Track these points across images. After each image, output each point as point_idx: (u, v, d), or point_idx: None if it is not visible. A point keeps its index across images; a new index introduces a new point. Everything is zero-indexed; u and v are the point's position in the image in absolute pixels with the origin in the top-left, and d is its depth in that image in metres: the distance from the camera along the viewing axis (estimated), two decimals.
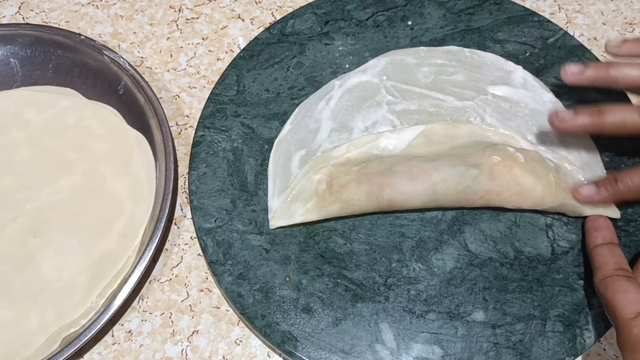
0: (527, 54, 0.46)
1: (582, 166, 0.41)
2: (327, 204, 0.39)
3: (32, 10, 0.51)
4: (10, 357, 0.37)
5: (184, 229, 0.43)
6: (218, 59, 0.49)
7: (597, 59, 0.46)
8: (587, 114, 0.38)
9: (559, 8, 0.51)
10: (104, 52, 0.46)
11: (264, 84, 0.46)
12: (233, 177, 0.42)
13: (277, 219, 0.40)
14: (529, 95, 0.44)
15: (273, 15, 0.51)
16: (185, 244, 0.42)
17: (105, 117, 0.46)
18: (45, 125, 0.46)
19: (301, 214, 0.40)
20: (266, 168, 0.43)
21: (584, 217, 0.40)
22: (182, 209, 0.44)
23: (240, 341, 0.39)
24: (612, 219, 0.40)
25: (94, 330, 0.37)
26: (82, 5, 0.52)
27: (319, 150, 0.42)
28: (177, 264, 0.42)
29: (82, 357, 0.39)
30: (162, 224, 0.40)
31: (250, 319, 0.38)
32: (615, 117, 0.37)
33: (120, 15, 0.51)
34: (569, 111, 0.38)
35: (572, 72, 0.39)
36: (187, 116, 0.47)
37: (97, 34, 0.50)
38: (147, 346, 0.39)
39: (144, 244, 0.40)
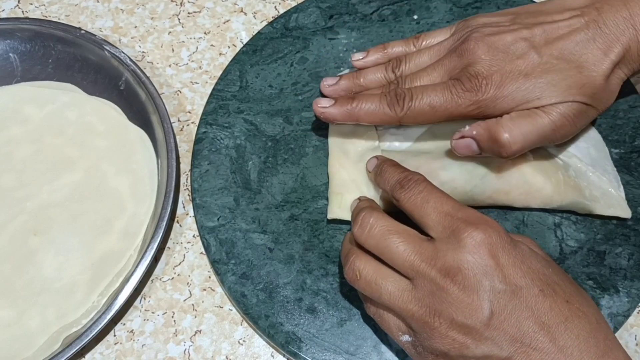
0: None
1: (592, 163, 0.40)
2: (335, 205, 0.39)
3: (31, 4, 0.51)
4: (11, 357, 0.37)
5: (187, 227, 0.42)
6: (220, 54, 0.48)
7: None
8: (341, 102, 0.38)
9: None
10: (105, 46, 0.45)
11: (267, 80, 0.45)
12: (236, 175, 0.42)
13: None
14: None
15: (276, 9, 0.50)
16: (188, 242, 0.42)
17: (107, 113, 0.45)
18: (45, 122, 0.45)
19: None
20: (269, 165, 0.42)
21: (594, 216, 0.39)
22: (184, 207, 0.43)
23: (244, 341, 0.39)
24: (622, 218, 0.39)
25: (96, 330, 0.37)
26: None
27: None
28: (180, 263, 0.41)
29: (84, 357, 0.39)
30: (164, 222, 0.39)
31: (253, 319, 0.37)
32: (367, 105, 0.38)
33: (121, 9, 0.50)
34: (327, 99, 0.39)
35: (328, 84, 0.42)
36: (189, 112, 0.46)
37: (97, 28, 0.49)
38: (150, 346, 0.39)
39: (146, 242, 0.39)
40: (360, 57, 0.42)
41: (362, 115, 0.38)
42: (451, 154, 0.39)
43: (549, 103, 0.35)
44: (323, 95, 0.44)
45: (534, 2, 0.47)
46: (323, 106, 0.38)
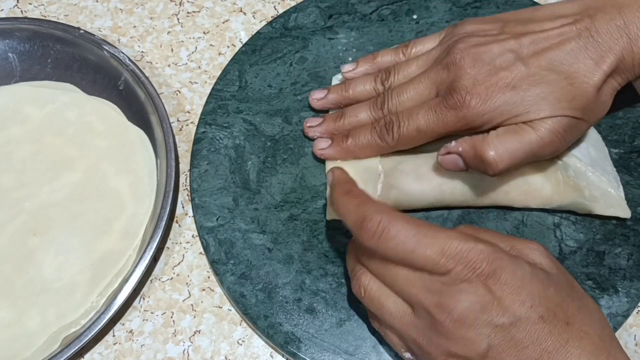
0: None
1: (591, 163, 0.40)
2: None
3: (30, 4, 0.50)
4: (11, 357, 0.37)
5: (186, 227, 0.42)
6: (220, 54, 0.48)
7: None
8: (337, 142, 0.39)
9: None
10: (104, 46, 0.45)
11: (267, 80, 0.45)
12: (235, 175, 0.42)
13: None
14: None
15: (275, 9, 0.50)
16: (187, 242, 0.42)
17: (106, 113, 0.45)
18: (45, 122, 0.45)
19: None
20: (269, 165, 0.42)
21: (593, 216, 0.39)
22: (183, 207, 0.43)
23: (243, 341, 0.39)
24: (621, 219, 0.39)
25: (95, 330, 0.37)
26: None
27: None
28: (179, 263, 0.41)
29: (83, 357, 0.39)
30: (164, 222, 0.39)
31: (252, 319, 0.37)
32: (360, 139, 0.38)
33: (120, 9, 0.50)
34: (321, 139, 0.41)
35: (316, 98, 0.42)
36: (189, 112, 0.46)
37: (96, 28, 0.49)
38: (149, 346, 0.39)
39: (145, 242, 0.39)
40: (350, 69, 0.42)
41: (358, 151, 0.39)
42: None
43: (537, 117, 0.34)
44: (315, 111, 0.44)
45: (534, 1, 0.47)
46: (321, 148, 0.40)
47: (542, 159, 0.36)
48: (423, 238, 0.28)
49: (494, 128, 0.35)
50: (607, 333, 0.29)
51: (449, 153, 0.36)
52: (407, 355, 0.32)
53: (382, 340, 0.37)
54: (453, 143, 0.35)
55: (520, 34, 0.35)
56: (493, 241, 0.31)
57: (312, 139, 0.42)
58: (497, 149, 0.34)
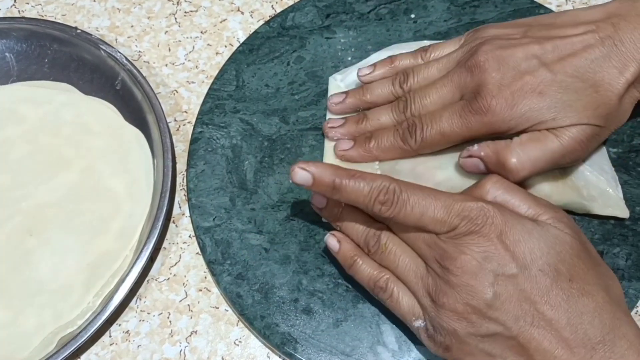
0: None
1: (589, 163, 0.40)
2: None
3: (27, 4, 0.50)
4: (7, 358, 0.37)
5: (183, 227, 0.42)
6: (217, 53, 0.48)
7: None
8: (359, 144, 0.39)
9: (566, 0, 0.50)
10: (101, 46, 0.45)
11: (264, 79, 0.45)
12: (232, 175, 0.41)
13: None
14: None
15: (273, 8, 0.50)
16: (184, 243, 0.42)
17: (103, 113, 0.45)
18: (41, 122, 0.45)
19: None
20: (266, 165, 0.42)
21: (592, 216, 0.39)
22: (180, 207, 0.43)
23: (240, 342, 0.39)
24: (620, 218, 0.39)
25: (91, 331, 0.36)
26: None
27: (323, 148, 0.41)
28: (176, 263, 0.41)
29: (79, 357, 0.38)
30: (160, 223, 0.39)
31: (249, 319, 0.37)
32: (383, 142, 0.38)
33: (118, 9, 0.50)
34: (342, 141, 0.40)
35: (334, 102, 0.41)
36: (186, 112, 0.46)
37: (94, 27, 0.49)
38: (145, 347, 0.39)
39: (142, 242, 0.39)
40: (367, 72, 0.41)
41: (380, 154, 0.38)
42: (448, 152, 0.38)
43: (563, 125, 0.34)
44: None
45: (535, 1, 0.47)
46: (344, 149, 0.39)
47: (562, 166, 0.36)
48: (432, 201, 0.31)
49: (519, 133, 0.35)
50: (613, 296, 0.30)
51: (470, 156, 0.36)
52: (417, 323, 0.33)
53: (379, 340, 0.36)
54: (476, 147, 0.35)
55: (543, 39, 0.35)
56: (519, 203, 0.32)
57: (331, 140, 0.41)
58: (519, 156, 0.34)
